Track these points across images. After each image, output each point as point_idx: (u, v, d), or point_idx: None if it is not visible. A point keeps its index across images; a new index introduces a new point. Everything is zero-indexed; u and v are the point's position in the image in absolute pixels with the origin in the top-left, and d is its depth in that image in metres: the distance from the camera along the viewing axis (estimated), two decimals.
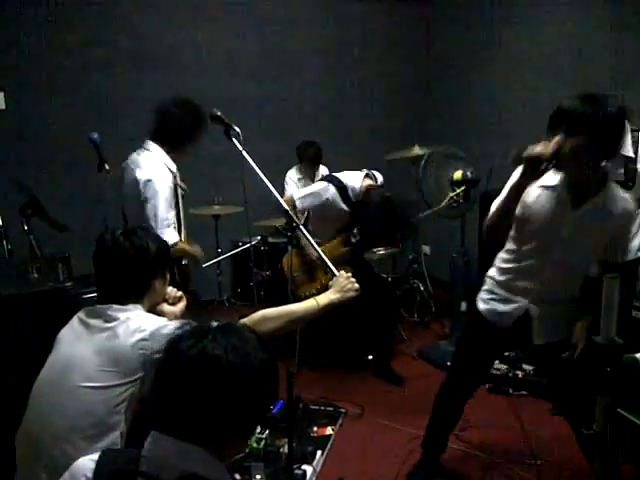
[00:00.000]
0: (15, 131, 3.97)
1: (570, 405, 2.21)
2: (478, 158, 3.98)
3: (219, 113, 2.22)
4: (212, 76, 4.48)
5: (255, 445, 2.69)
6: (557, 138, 1.77)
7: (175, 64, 4.38)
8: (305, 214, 3.46)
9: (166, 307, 1.86)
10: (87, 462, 1.10)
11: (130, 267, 1.65)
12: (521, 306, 2.12)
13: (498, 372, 3.36)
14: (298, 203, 3.22)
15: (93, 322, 1.60)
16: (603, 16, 3.61)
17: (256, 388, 1.07)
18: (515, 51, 4.32)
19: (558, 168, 1.84)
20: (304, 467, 2.58)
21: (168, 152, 2.72)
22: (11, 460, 1.56)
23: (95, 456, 1.11)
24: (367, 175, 3.44)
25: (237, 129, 2.17)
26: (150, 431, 1.08)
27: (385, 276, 4.34)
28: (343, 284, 1.87)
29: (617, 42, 3.51)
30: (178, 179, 2.74)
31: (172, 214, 2.64)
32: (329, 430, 2.93)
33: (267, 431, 2.77)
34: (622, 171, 2.72)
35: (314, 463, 2.64)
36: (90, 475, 1.07)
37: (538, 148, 1.78)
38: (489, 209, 2.07)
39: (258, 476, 2.46)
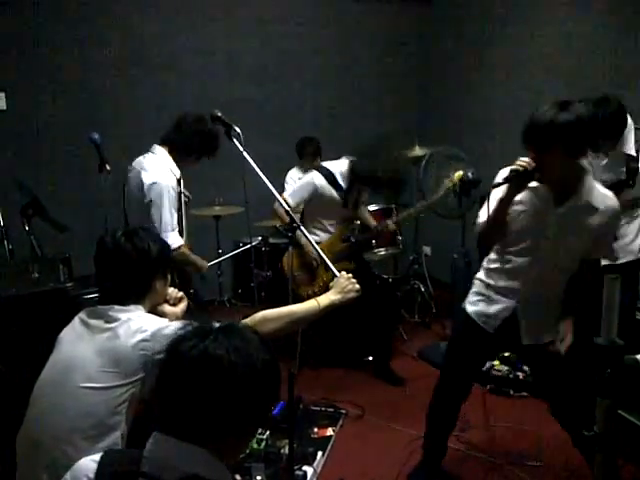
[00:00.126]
0: (16, 131, 3.97)
1: (560, 406, 2.22)
2: (478, 158, 3.98)
3: (220, 114, 2.22)
4: (212, 76, 4.49)
5: (256, 446, 2.69)
6: (530, 158, 1.86)
7: (175, 64, 4.37)
8: (301, 209, 3.47)
9: (167, 308, 1.86)
10: (89, 462, 1.10)
11: (131, 268, 1.65)
12: (508, 307, 2.13)
13: (499, 373, 3.35)
14: (290, 201, 3.24)
15: (94, 323, 1.60)
16: (603, 16, 3.61)
17: (258, 389, 1.07)
18: (515, 51, 4.32)
19: (542, 182, 1.93)
20: (305, 468, 2.58)
21: (174, 159, 2.73)
22: (12, 460, 1.56)
23: (97, 457, 1.11)
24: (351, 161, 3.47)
25: (238, 129, 2.17)
26: (152, 432, 1.08)
27: (386, 277, 4.34)
28: (344, 285, 1.87)
29: (617, 42, 3.50)
30: (182, 186, 2.76)
31: (176, 217, 2.65)
32: (330, 431, 2.93)
33: (268, 432, 2.77)
34: (624, 169, 2.67)
35: (315, 464, 2.64)
36: (92, 475, 1.07)
37: (523, 164, 1.86)
38: None
39: (259, 477, 2.46)
